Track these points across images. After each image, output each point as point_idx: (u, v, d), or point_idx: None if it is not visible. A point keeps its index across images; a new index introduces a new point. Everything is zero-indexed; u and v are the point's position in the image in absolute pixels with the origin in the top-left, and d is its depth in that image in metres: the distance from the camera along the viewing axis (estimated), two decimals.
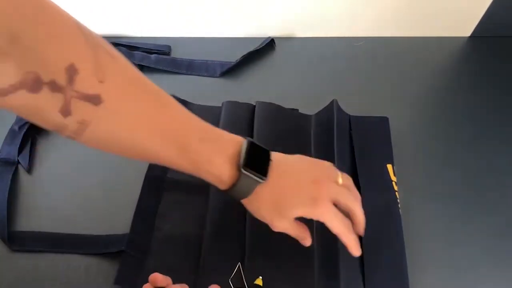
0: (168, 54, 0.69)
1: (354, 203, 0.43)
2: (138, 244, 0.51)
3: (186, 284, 0.48)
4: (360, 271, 0.49)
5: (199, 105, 0.63)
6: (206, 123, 0.42)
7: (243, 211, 0.51)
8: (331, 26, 0.68)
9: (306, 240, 0.45)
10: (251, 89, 0.64)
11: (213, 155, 0.40)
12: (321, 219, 0.42)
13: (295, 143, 0.57)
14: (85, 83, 0.32)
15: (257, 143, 0.42)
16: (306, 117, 0.60)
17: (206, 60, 0.67)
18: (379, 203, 0.52)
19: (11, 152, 0.59)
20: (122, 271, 0.49)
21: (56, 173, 0.58)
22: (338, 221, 0.42)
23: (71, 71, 0.31)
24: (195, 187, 0.54)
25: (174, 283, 0.48)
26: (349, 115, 0.59)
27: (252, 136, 0.57)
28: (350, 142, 0.57)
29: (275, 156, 0.43)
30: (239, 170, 0.40)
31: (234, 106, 0.61)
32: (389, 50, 0.68)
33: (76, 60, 0.31)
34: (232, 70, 0.66)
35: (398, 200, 0.53)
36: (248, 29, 0.69)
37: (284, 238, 0.45)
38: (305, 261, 0.49)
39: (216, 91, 0.64)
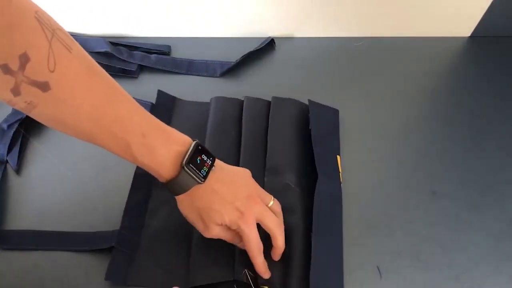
0: (168, 54, 0.69)
1: (277, 228, 0.47)
2: (128, 240, 0.51)
3: (177, 278, 0.49)
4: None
5: (188, 101, 0.63)
6: (157, 120, 0.44)
7: None
8: (331, 26, 0.68)
9: (242, 244, 0.47)
10: (251, 89, 0.64)
11: (154, 151, 0.42)
12: (241, 233, 0.45)
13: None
14: (35, 70, 0.34)
15: (205, 147, 0.45)
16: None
17: (206, 60, 0.67)
18: (330, 190, 0.53)
19: (0, 151, 0.59)
20: (113, 267, 0.49)
21: (45, 172, 0.58)
22: (254, 241, 0.45)
23: (23, 59, 0.33)
24: None
25: (164, 278, 0.48)
26: (301, 103, 0.60)
27: (240, 131, 0.58)
28: (303, 129, 0.58)
29: (219, 163, 0.46)
30: (181, 167, 0.42)
31: (222, 101, 0.61)
32: (389, 50, 0.68)
33: (29, 49, 0.33)
34: (232, 70, 0.66)
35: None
36: (248, 29, 0.69)
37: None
38: (287, 253, 0.49)
39: (216, 91, 0.64)
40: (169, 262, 0.50)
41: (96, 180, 0.57)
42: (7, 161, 0.58)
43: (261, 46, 0.68)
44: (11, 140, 0.59)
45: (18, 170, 0.58)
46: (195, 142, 0.44)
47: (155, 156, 0.42)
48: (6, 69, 0.33)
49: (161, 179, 0.45)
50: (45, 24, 0.35)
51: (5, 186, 0.57)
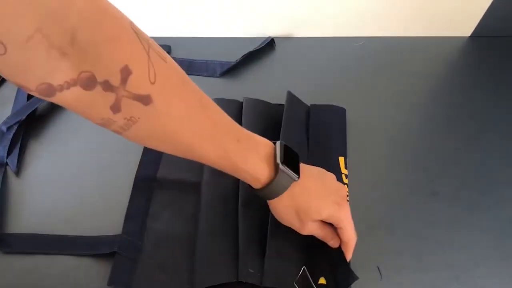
0: (168, 54, 0.69)
1: (351, 224, 0.47)
2: (131, 244, 0.51)
3: (181, 282, 0.49)
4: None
5: None
6: (237, 124, 0.43)
7: (235, 208, 0.51)
8: (331, 26, 0.68)
9: (334, 240, 0.48)
10: (251, 89, 0.64)
11: (249, 155, 0.42)
12: (340, 224, 0.46)
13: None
14: (137, 83, 0.33)
15: (289, 145, 0.45)
16: None
17: (206, 60, 0.67)
18: None
19: (0, 153, 0.58)
20: (115, 272, 0.49)
21: (46, 175, 0.58)
22: (351, 229, 0.46)
23: (125, 72, 0.32)
24: (186, 185, 0.55)
25: (169, 282, 0.48)
26: (308, 105, 0.61)
27: None
28: (307, 131, 0.58)
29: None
30: (276, 168, 0.42)
31: (221, 103, 0.61)
32: (389, 50, 0.68)
33: (130, 62, 0.32)
34: (232, 70, 0.66)
35: (347, 193, 0.53)
36: (248, 29, 0.69)
37: (276, 234, 0.49)
38: (294, 254, 0.49)
39: (216, 91, 0.63)
40: (172, 265, 0.50)
41: (97, 182, 0.57)
42: (7, 164, 0.58)
43: (261, 46, 0.68)
44: (11, 142, 0.59)
45: (18, 173, 0.58)
46: (280, 141, 0.45)
47: (251, 161, 0.42)
48: (107, 85, 0.32)
49: (258, 184, 0.44)
50: (140, 35, 0.33)
51: (5, 188, 0.57)
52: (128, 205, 0.54)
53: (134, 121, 0.35)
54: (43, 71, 0.29)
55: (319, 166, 0.54)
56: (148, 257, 0.51)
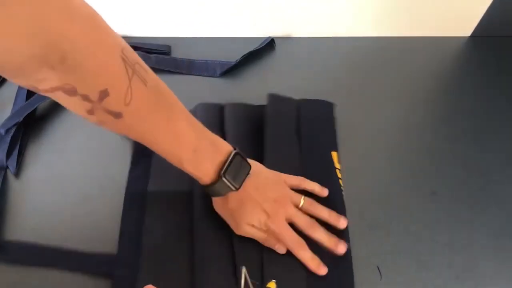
0: (168, 54, 0.69)
1: (308, 226, 0.49)
2: (128, 263, 0.50)
3: None
4: None
5: None
6: (207, 132, 0.47)
7: None
8: (331, 26, 0.68)
9: (278, 245, 0.49)
10: (251, 89, 0.64)
11: (202, 163, 0.46)
12: (273, 234, 0.48)
13: (262, 139, 0.57)
14: (112, 104, 0.38)
15: (243, 155, 0.47)
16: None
17: (206, 60, 0.67)
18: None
19: None
20: None
21: (45, 177, 0.57)
22: (289, 237, 0.48)
23: (103, 94, 0.37)
24: (178, 196, 0.54)
25: None
26: (296, 101, 0.61)
27: (224, 136, 0.56)
28: (297, 128, 0.59)
29: (255, 168, 0.49)
30: (219, 176, 0.46)
31: (205, 108, 0.60)
32: (389, 50, 0.68)
33: (111, 87, 0.37)
34: (232, 70, 0.66)
35: (342, 188, 0.54)
36: (248, 29, 0.69)
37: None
38: (289, 261, 0.49)
39: (216, 91, 0.64)
40: (172, 279, 0.49)
41: (96, 184, 0.57)
42: (7, 167, 0.58)
43: (261, 46, 0.68)
44: (9, 144, 0.58)
45: (17, 175, 0.57)
46: (234, 152, 0.47)
47: (201, 168, 0.46)
48: (86, 98, 0.37)
49: (201, 182, 0.47)
50: (128, 62, 0.38)
51: (5, 191, 0.56)
52: (121, 223, 0.53)
53: (103, 123, 0.40)
54: (32, 79, 0.35)
55: (312, 163, 0.55)
56: (147, 273, 0.49)
